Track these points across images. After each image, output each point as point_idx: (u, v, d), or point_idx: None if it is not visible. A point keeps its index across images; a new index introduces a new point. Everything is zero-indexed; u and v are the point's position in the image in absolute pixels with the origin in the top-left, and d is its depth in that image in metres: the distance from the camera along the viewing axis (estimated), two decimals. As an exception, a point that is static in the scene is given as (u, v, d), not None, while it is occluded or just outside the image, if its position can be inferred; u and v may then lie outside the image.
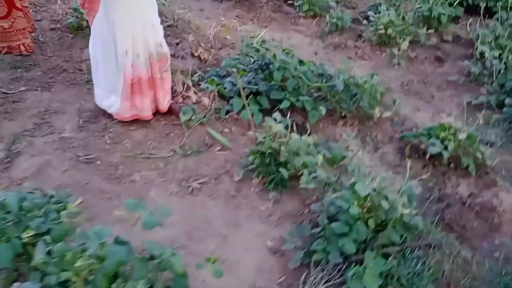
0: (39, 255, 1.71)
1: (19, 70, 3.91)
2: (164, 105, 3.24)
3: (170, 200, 2.70)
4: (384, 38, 4.55)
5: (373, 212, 2.28)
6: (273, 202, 2.73)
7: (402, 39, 4.46)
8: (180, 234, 2.48)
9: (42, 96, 3.59)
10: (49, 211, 2.07)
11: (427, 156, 3.02)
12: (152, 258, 1.80)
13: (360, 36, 4.81)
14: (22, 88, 3.67)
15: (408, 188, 2.46)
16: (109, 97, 3.19)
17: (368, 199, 2.26)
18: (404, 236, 2.36)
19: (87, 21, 4.54)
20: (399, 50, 4.39)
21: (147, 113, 3.20)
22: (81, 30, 4.51)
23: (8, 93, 3.56)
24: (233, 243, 2.45)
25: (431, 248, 2.37)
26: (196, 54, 4.29)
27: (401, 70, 4.25)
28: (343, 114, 3.40)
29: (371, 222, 2.25)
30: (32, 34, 4.17)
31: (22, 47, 4.03)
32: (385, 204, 2.23)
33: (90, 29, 4.46)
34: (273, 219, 2.62)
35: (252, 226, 2.57)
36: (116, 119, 3.22)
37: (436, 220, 2.59)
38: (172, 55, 4.20)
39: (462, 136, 2.92)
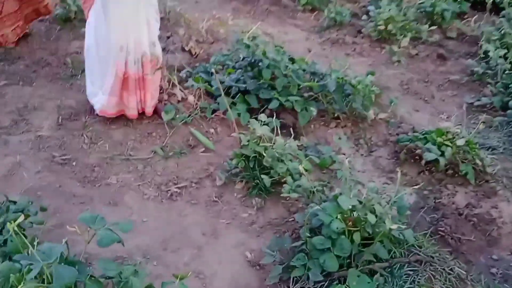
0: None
1: (1, 63, 3.77)
2: (150, 108, 3.07)
3: (146, 205, 2.55)
4: (384, 34, 4.34)
5: (359, 225, 2.11)
6: (256, 209, 2.57)
7: (403, 36, 4.25)
8: (154, 243, 2.33)
9: (23, 91, 3.44)
10: (7, 220, 1.92)
11: (423, 161, 2.84)
12: (109, 277, 1.65)
13: (359, 31, 4.61)
14: (3, 83, 3.53)
15: (399, 199, 2.28)
16: (97, 93, 3.03)
17: (353, 212, 2.09)
18: (392, 251, 2.19)
19: (75, 12, 4.41)
20: (399, 47, 4.19)
21: (133, 112, 3.03)
22: (69, 21, 4.36)
23: (-13, 88, 3.42)
24: (209, 254, 2.29)
25: (422, 264, 2.19)
26: (186, 49, 4.11)
27: (401, 68, 4.05)
28: (335, 115, 3.22)
29: (356, 237, 2.08)
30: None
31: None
32: (371, 218, 2.05)
33: (77, 21, 4.37)
34: (254, 228, 2.46)
35: (232, 235, 2.41)
36: (97, 116, 3.07)
37: (429, 233, 2.41)
38: (162, 49, 4.04)
39: (460, 142, 2.73)
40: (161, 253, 2.28)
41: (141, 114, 3.11)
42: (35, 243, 1.79)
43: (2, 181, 2.59)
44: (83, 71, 3.68)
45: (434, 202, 2.66)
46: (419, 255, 2.23)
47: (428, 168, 2.87)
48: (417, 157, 2.92)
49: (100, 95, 2.99)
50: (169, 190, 2.64)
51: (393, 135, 3.16)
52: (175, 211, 2.53)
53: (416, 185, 2.71)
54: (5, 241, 1.85)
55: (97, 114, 3.06)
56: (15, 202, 2.08)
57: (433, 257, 2.24)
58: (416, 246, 2.28)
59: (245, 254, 2.29)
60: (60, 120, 3.12)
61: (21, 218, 1.53)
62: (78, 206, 2.49)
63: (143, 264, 2.20)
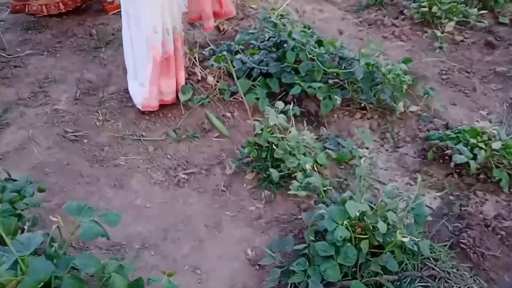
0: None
1: (29, 32, 3.76)
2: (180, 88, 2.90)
3: (152, 190, 2.48)
4: (428, 17, 3.98)
5: (368, 233, 1.94)
6: (264, 203, 2.45)
7: (448, 19, 3.88)
8: (155, 231, 2.27)
9: (46, 61, 3.42)
10: (2, 201, 1.90)
11: (453, 163, 2.60)
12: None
13: (401, 12, 4.25)
14: (28, 52, 3.52)
15: (417, 205, 2.09)
16: (133, 84, 2.85)
17: (362, 218, 1.92)
18: (404, 263, 2.01)
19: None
20: (443, 31, 3.83)
21: (172, 96, 2.84)
22: (99, -9, 4.27)
23: (11, 57, 3.42)
24: (209, 248, 2.20)
25: (436, 280, 2.01)
26: (214, 24, 3.94)
27: (442, 55, 3.71)
28: (362, 105, 2.99)
29: (364, 245, 1.92)
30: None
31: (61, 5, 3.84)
32: (382, 226, 1.88)
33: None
34: (260, 223, 2.34)
35: (235, 229, 2.30)
36: (114, 93, 3.00)
37: (449, 244, 2.20)
38: (190, 24, 3.91)
39: (496, 145, 2.46)
40: (160, 242, 2.21)
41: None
42: (28, 229, 1.78)
43: (13, 155, 2.59)
44: (108, 43, 3.63)
45: (460, 209, 2.43)
46: (433, 269, 2.05)
47: (457, 170, 2.63)
48: (446, 158, 2.68)
49: (137, 87, 2.80)
50: (177, 175, 2.56)
51: (423, 131, 2.91)
52: (181, 198, 2.45)
53: (441, 189, 2.49)
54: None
55: (143, 112, 2.87)
56: (15, 181, 2.05)
57: (449, 273, 2.04)
58: (431, 259, 2.09)
59: (246, 251, 2.19)
60: (78, 95, 3.08)
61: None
62: (84, 186, 2.45)
63: (140, 253, 2.15)
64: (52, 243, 1.67)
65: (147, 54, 2.66)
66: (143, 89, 2.76)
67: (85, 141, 2.73)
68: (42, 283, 1.42)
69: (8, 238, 1.48)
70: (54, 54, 3.52)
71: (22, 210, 1.96)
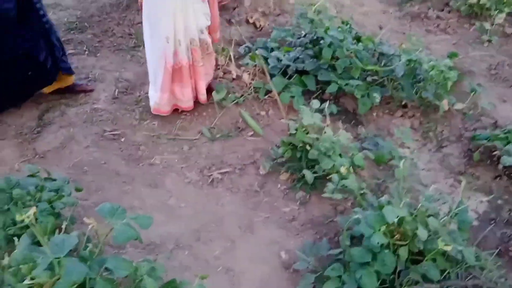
0: (6, 259, 1.57)
1: (72, 32, 3.85)
2: (205, 95, 2.85)
3: (186, 190, 2.47)
4: (476, 9, 3.78)
5: (408, 239, 1.84)
6: (299, 204, 2.39)
7: (498, 11, 3.66)
8: (187, 232, 2.26)
9: (87, 61, 3.50)
10: (41, 200, 1.94)
11: (501, 165, 2.44)
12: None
13: (447, 4, 4.06)
14: (70, 51, 3.61)
15: (461, 211, 1.96)
16: (151, 87, 2.87)
17: (401, 224, 1.83)
18: (446, 272, 1.90)
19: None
20: (492, 24, 3.62)
21: (189, 104, 2.83)
22: (139, -10, 4.33)
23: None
24: (242, 250, 2.17)
25: (481, 290, 1.89)
26: (251, 21, 3.91)
27: (491, 49, 3.51)
28: (402, 103, 2.86)
29: (402, 252, 1.83)
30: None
31: None
32: (422, 233, 1.78)
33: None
34: (294, 225, 2.29)
35: (268, 231, 2.26)
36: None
37: (496, 252, 2.07)
38: (228, 21, 3.89)
39: (550, 146, 2.29)
40: (193, 243, 2.20)
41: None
42: (65, 228, 1.81)
43: (54, 154, 2.66)
44: (146, 42, 3.68)
45: (509, 214, 2.28)
46: (478, 279, 1.92)
47: (506, 173, 2.47)
48: (494, 159, 2.52)
49: (153, 92, 2.82)
50: (211, 175, 2.54)
51: (469, 130, 2.76)
52: (214, 198, 2.43)
53: (488, 192, 2.34)
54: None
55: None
56: (53, 180, 2.10)
57: (496, 283, 1.91)
58: (477, 268, 1.96)
59: (279, 254, 2.14)
60: (116, 93, 3.12)
61: (32, 210, 1.49)
62: (119, 185, 2.48)
63: (173, 253, 2.15)
64: (88, 244, 1.69)
65: (159, 62, 2.66)
66: (156, 94, 2.78)
67: (122, 140, 2.76)
68: (76, 285, 1.43)
69: (44, 239, 1.50)
70: (94, 53, 3.59)
71: (60, 209, 2.00)
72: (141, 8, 2.67)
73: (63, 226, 1.82)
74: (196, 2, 2.56)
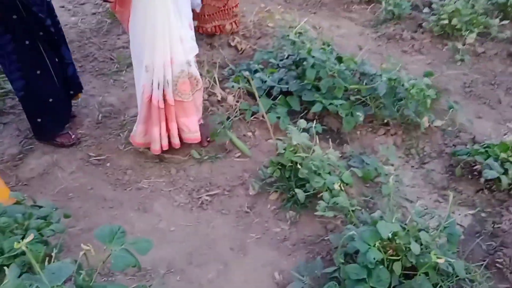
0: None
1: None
2: (177, 138, 2.64)
3: (176, 213, 2.45)
4: (448, 29, 3.94)
5: (401, 254, 1.87)
6: (289, 224, 2.40)
7: (469, 31, 3.83)
8: (179, 256, 2.23)
9: (68, 86, 3.46)
10: (29, 228, 1.89)
11: (483, 179, 2.52)
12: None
13: (420, 26, 4.21)
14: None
15: (450, 224, 2.01)
16: None
17: (394, 239, 1.86)
18: (438, 285, 1.93)
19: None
20: (464, 44, 3.78)
21: (155, 146, 2.61)
22: (119, 15, 4.34)
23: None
24: (235, 272, 2.16)
25: (473, 302, 1.93)
26: (232, 44, 3.97)
27: (464, 67, 3.65)
28: (385, 121, 2.94)
29: (396, 267, 1.85)
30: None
31: (233, 25, 3.90)
32: (415, 247, 1.82)
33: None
34: (286, 245, 2.29)
35: (261, 252, 2.25)
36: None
37: (484, 264, 2.12)
38: (209, 45, 3.93)
39: (528, 159, 2.38)
40: (186, 267, 2.18)
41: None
42: (55, 256, 1.76)
43: (38, 180, 2.60)
44: (128, 66, 3.67)
45: (493, 227, 2.34)
46: (470, 291, 1.97)
47: (488, 186, 2.55)
48: (475, 173, 2.60)
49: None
50: (200, 197, 2.53)
51: (449, 146, 2.85)
52: (204, 221, 2.41)
53: (472, 206, 2.41)
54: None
55: None
56: (40, 207, 2.05)
57: (487, 295, 1.96)
58: (467, 280, 2.01)
59: (273, 275, 2.14)
60: (99, 118, 3.09)
61: (31, 237, 1.45)
62: (107, 210, 2.44)
63: (166, 279, 2.11)
64: (80, 271, 1.65)
65: (138, 89, 2.57)
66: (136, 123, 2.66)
67: (108, 164, 2.73)
68: (73, 314, 1.40)
69: (38, 267, 1.46)
70: (76, 78, 3.56)
71: (48, 236, 1.95)
72: (127, 29, 2.56)
73: (53, 254, 1.78)
74: (183, 28, 2.41)
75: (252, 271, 2.15)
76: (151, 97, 2.48)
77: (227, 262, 2.19)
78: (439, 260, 1.75)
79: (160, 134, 2.59)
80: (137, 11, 2.38)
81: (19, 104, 3.19)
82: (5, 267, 1.65)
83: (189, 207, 2.49)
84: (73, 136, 2.85)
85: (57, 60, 2.68)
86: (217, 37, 4.06)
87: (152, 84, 2.45)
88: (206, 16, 3.76)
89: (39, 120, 2.71)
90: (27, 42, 2.48)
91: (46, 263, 1.69)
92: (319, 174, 2.27)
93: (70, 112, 2.95)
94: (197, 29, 3.73)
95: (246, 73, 2.86)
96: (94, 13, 4.46)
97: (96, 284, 1.52)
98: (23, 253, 1.77)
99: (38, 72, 2.58)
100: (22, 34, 2.45)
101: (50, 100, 2.68)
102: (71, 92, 2.92)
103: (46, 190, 2.53)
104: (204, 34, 3.88)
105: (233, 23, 3.89)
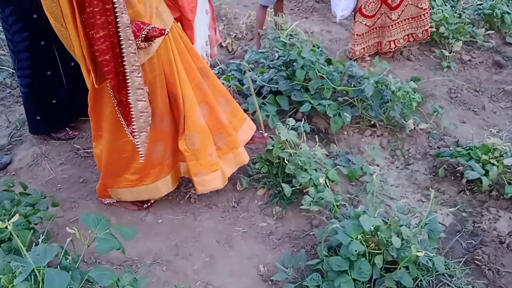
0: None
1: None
2: None
3: (163, 206, 2.47)
4: (435, 37, 4.03)
5: (382, 248, 1.92)
6: (275, 219, 2.44)
7: (455, 39, 3.93)
8: (166, 247, 2.26)
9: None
10: (17, 213, 1.90)
11: (464, 180, 2.58)
12: (105, 285, 1.57)
13: (408, 33, 4.30)
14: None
15: (431, 221, 2.07)
16: None
17: (376, 233, 1.91)
18: (418, 279, 1.99)
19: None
20: (450, 51, 3.87)
21: None
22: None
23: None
24: (221, 264, 2.18)
25: (452, 297, 1.98)
26: (224, 45, 4.03)
27: (451, 74, 3.74)
28: (371, 122, 3.00)
29: (378, 260, 1.90)
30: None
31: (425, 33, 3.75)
32: (396, 241, 1.87)
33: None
34: (271, 239, 2.33)
35: (247, 245, 2.29)
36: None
37: (463, 261, 2.18)
38: (200, 44, 3.97)
39: (508, 161, 2.45)
40: (172, 258, 2.20)
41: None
42: (40, 240, 1.78)
43: (26, 171, 2.61)
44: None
45: (473, 226, 2.41)
46: (449, 285, 2.02)
47: (469, 187, 2.62)
48: (458, 175, 2.67)
49: None
50: (188, 191, 2.56)
51: (433, 148, 2.91)
52: (192, 214, 2.44)
53: (454, 206, 2.47)
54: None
55: None
56: (28, 195, 2.07)
57: (465, 290, 2.01)
58: (446, 275, 2.07)
59: (258, 267, 2.17)
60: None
61: (16, 217, 1.48)
62: (95, 202, 2.46)
63: (152, 269, 2.14)
64: (66, 256, 1.67)
65: None
66: None
67: (97, 157, 2.74)
68: (57, 294, 1.42)
69: (24, 250, 1.48)
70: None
71: (36, 224, 1.97)
72: None
73: (40, 241, 1.80)
74: None
75: (237, 263, 2.19)
76: None
77: (213, 254, 2.22)
78: (419, 254, 1.80)
79: None
80: None
81: (9, 96, 3.22)
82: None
83: (177, 201, 2.51)
84: (70, 132, 2.85)
85: (73, 64, 2.53)
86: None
87: None
88: None
89: (38, 117, 2.68)
90: (42, 43, 2.46)
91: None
92: (305, 170, 2.32)
93: (76, 112, 2.84)
94: None
95: (245, 63, 2.90)
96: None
97: (82, 268, 1.54)
98: (10, 239, 1.79)
99: (49, 73, 2.55)
100: (39, 34, 2.42)
101: (54, 101, 2.65)
102: None
103: (35, 180, 2.54)
104: None
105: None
